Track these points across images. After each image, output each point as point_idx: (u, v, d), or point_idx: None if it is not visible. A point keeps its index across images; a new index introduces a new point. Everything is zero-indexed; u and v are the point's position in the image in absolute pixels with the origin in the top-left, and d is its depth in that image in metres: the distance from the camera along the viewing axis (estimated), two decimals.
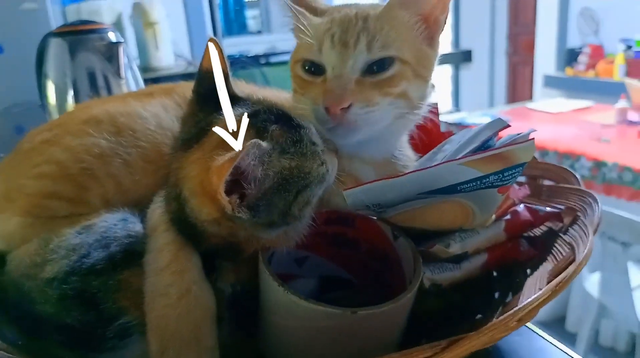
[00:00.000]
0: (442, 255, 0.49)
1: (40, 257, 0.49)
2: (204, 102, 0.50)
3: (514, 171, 0.43)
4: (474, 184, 0.43)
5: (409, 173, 0.45)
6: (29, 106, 1.97)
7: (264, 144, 0.41)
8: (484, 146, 0.49)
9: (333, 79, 0.52)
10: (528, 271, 0.53)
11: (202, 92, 0.51)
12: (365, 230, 0.54)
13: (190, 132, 0.48)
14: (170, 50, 2.89)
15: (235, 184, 0.41)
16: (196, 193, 0.43)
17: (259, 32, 5.24)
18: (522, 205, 0.56)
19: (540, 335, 0.57)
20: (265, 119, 0.46)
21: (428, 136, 0.64)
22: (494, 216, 0.51)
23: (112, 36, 1.24)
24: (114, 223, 0.49)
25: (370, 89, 0.52)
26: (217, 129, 0.43)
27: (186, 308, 0.42)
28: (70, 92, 1.24)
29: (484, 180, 0.43)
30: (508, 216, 0.53)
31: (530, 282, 0.50)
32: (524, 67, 5.03)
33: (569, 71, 4.29)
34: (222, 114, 0.46)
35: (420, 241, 0.50)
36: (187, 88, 0.70)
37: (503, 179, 0.43)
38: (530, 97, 4.70)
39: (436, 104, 0.71)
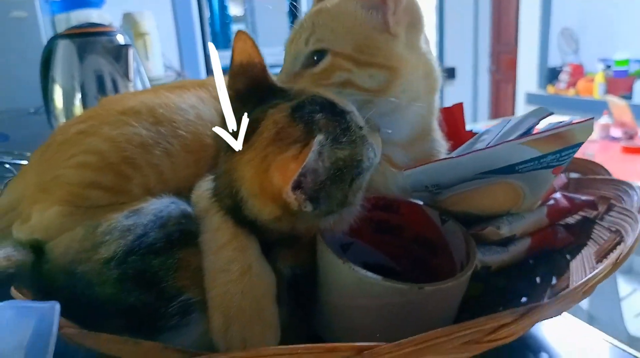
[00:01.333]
0: (493, 237, 0.50)
1: (90, 241, 0.49)
2: (245, 98, 0.50)
3: (570, 151, 0.44)
4: (532, 164, 0.45)
5: (469, 153, 0.46)
6: (16, 114, 1.94)
7: (321, 137, 0.42)
8: (529, 134, 0.50)
9: (281, 71, 0.57)
10: (568, 256, 0.55)
11: (240, 87, 0.51)
12: (410, 216, 0.54)
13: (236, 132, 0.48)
14: (160, 61, 2.89)
15: (299, 181, 0.41)
16: (256, 194, 0.43)
17: None
18: (558, 193, 0.57)
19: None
20: (311, 111, 0.46)
21: (453, 136, 0.65)
22: (539, 201, 0.52)
23: (120, 39, 1.24)
24: (166, 205, 0.49)
25: (307, 80, 0.55)
26: (267, 126, 0.43)
27: (249, 285, 0.42)
28: (78, 96, 1.23)
29: (542, 160, 0.44)
30: (550, 202, 0.54)
31: (575, 264, 0.51)
32: (506, 84, 5.15)
33: (550, 89, 4.41)
34: (266, 108, 0.46)
35: (468, 225, 0.51)
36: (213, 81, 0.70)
37: (560, 159, 0.44)
38: (512, 114, 4.81)
39: (461, 103, 0.73)
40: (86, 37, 1.22)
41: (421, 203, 0.54)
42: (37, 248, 0.55)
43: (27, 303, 0.40)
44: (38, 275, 0.52)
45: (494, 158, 0.45)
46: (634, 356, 0.52)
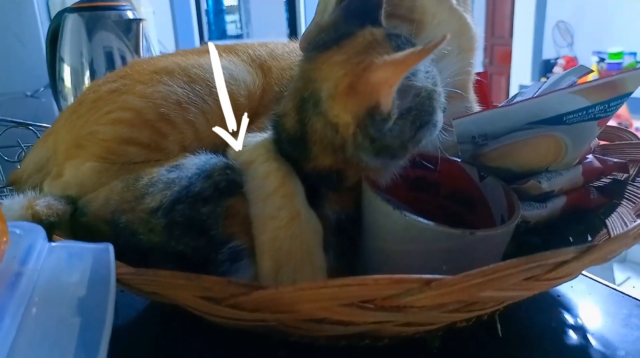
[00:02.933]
0: (533, 192, 0.50)
1: (132, 193, 0.49)
2: (350, 17, 0.48)
3: (619, 101, 0.45)
4: (580, 114, 0.45)
5: (520, 101, 0.46)
6: (13, 97, 1.92)
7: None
8: None
9: (309, 24, 0.56)
10: (602, 216, 0.55)
11: (351, 8, 0.49)
12: (447, 173, 0.55)
13: (327, 39, 0.47)
14: (157, 47, 2.87)
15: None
16: (338, 94, 0.42)
17: (239, 36, 5.23)
18: (590, 155, 0.58)
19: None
20: (404, 42, 0.45)
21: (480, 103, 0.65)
22: (577, 158, 0.53)
23: (130, 14, 1.23)
24: (208, 158, 0.49)
25: None
26: (363, 34, 0.43)
27: (298, 230, 0.43)
28: (87, 74, 1.21)
29: (590, 110, 0.45)
30: (587, 160, 0.55)
31: (612, 221, 0.52)
32: (500, 77, 5.18)
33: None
34: (367, 28, 0.46)
35: (506, 183, 0.52)
36: (246, 47, 0.70)
37: (607, 110, 0.45)
38: None
39: (485, 71, 0.74)
40: (95, 11, 1.20)
41: (459, 160, 0.54)
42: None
43: (80, 244, 0.40)
44: (76, 229, 0.52)
45: (544, 107, 0.45)
46: None
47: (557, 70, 4.36)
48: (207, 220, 0.44)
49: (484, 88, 0.72)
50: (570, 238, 0.56)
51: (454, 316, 0.39)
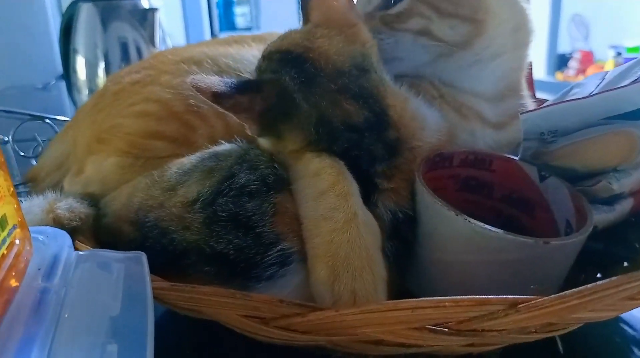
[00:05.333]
0: (603, 194, 0.46)
1: (159, 186, 0.44)
2: None
3: None
4: None
5: (596, 93, 0.42)
6: (23, 90, 1.89)
7: None
8: None
9: None
10: None
11: None
12: (504, 173, 0.50)
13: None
14: (168, 42, 2.83)
15: None
16: None
17: (249, 28, 5.20)
18: None
19: None
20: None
21: None
22: None
23: (145, 3, 1.18)
24: (247, 148, 0.45)
25: (379, 22, 0.51)
26: None
27: (356, 233, 0.38)
28: (102, 65, 1.17)
29: None
30: None
31: None
32: None
33: (559, 76, 4.36)
34: None
35: (570, 181, 0.47)
36: (275, 36, 0.66)
37: None
38: None
39: (530, 61, 0.68)
40: (110, 1, 1.16)
41: (517, 158, 0.49)
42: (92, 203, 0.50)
43: (107, 253, 0.36)
44: (98, 231, 0.48)
45: (624, 100, 0.40)
46: None
47: (573, 64, 4.28)
48: (254, 216, 0.39)
49: (528, 80, 0.67)
50: (637, 244, 0.51)
51: (530, 337, 0.34)
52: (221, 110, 0.43)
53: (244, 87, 0.42)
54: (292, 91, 0.43)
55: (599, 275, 0.50)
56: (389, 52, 0.51)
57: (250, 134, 0.45)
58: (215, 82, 0.40)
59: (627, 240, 0.52)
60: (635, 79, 0.45)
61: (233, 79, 0.42)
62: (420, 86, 0.51)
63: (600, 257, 0.51)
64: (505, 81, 0.55)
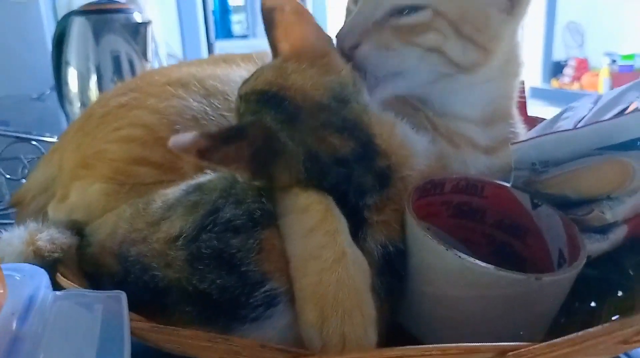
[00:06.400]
0: (596, 223, 0.45)
1: (143, 219, 0.43)
2: None
3: None
4: None
5: (590, 124, 0.41)
6: (18, 99, 1.88)
7: None
8: None
9: (355, 15, 0.49)
10: None
11: None
12: (496, 199, 0.49)
13: None
14: (164, 50, 2.82)
15: None
16: None
17: (245, 36, 5.19)
18: None
19: None
20: None
21: None
22: None
23: (138, 17, 1.18)
24: (236, 180, 0.43)
25: (388, 33, 0.48)
26: None
27: (345, 273, 0.37)
28: (94, 78, 1.16)
29: None
30: None
31: None
32: None
33: (554, 83, 4.37)
34: None
35: (562, 209, 0.46)
36: (264, 56, 0.65)
37: None
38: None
39: (522, 81, 0.68)
40: (102, 15, 1.15)
41: (508, 184, 0.48)
42: (76, 231, 0.49)
43: (86, 292, 0.35)
44: (82, 260, 0.47)
45: (617, 131, 0.40)
46: None
47: (568, 71, 4.29)
48: (238, 253, 0.38)
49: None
50: (630, 271, 0.51)
51: None
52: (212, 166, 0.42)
53: (228, 137, 0.41)
54: (276, 130, 0.41)
55: (593, 304, 0.50)
56: (393, 67, 0.49)
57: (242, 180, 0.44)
58: (196, 137, 0.38)
59: (622, 266, 0.51)
60: (625, 108, 0.45)
61: (214, 130, 0.41)
62: (414, 117, 0.51)
63: (594, 284, 0.50)
64: (494, 106, 0.55)
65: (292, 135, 0.41)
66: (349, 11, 0.53)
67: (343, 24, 0.51)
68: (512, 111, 0.57)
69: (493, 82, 0.53)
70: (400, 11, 0.48)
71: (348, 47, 0.48)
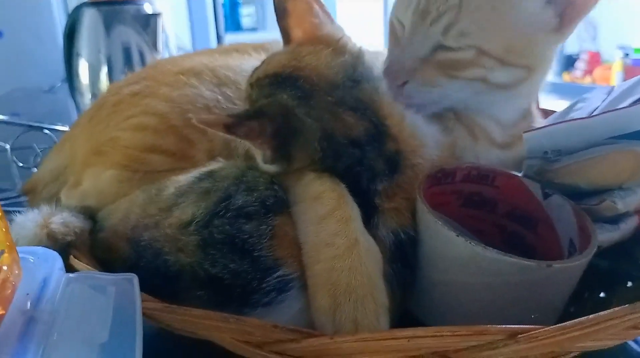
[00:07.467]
0: (608, 213, 0.45)
1: (156, 205, 0.44)
2: None
3: None
4: None
5: (603, 113, 0.40)
6: (29, 92, 1.90)
7: None
8: None
9: (403, 52, 0.49)
10: None
11: None
12: (507, 189, 0.49)
13: None
14: (174, 42, 2.83)
15: None
16: None
17: (255, 29, 5.18)
18: None
19: None
20: None
21: None
22: None
23: (148, 8, 1.18)
24: (248, 168, 0.44)
25: (434, 69, 0.48)
26: None
27: (357, 260, 0.37)
28: (104, 69, 1.17)
29: None
30: None
31: None
32: None
33: (566, 77, 4.32)
34: None
35: (573, 199, 0.46)
36: (276, 45, 0.65)
37: None
38: None
39: None
40: (113, 6, 1.16)
41: (520, 174, 0.48)
42: (89, 216, 0.50)
43: (99, 275, 0.35)
44: (94, 245, 0.47)
45: (630, 120, 0.39)
46: None
47: (580, 65, 4.25)
48: (250, 239, 0.38)
49: None
50: None
51: None
52: (239, 140, 0.43)
53: (250, 115, 0.42)
54: (293, 106, 0.42)
55: (602, 294, 0.49)
56: (437, 97, 0.49)
57: (263, 164, 0.44)
58: (221, 114, 0.40)
59: (633, 257, 0.51)
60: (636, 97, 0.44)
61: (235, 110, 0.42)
62: None
63: (604, 274, 0.50)
64: (524, 111, 0.55)
65: (309, 112, 0.42)
66: (393, 33, 0.52)
67: (389, 54, 0.51)
68: (534, 110, 0.57)
69: (530, 92, 0.53)
70: (445, 47, 0.47)
71: (397, 85, 0.48)
